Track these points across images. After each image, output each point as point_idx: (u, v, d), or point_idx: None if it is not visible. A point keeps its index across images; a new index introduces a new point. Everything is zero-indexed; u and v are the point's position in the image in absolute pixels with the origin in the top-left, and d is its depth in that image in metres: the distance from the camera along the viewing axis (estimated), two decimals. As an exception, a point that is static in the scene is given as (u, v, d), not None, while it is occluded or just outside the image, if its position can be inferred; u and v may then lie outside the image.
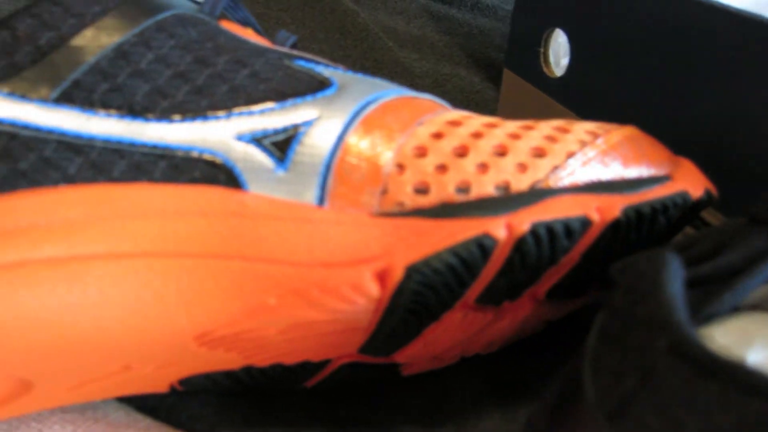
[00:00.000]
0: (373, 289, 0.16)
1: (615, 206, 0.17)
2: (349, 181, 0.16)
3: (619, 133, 0.19)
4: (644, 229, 0.18)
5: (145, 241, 0.15)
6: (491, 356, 0.22)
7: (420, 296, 0.16)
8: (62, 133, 0.15)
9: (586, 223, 0.17)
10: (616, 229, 0.17)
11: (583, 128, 0.19)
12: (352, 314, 0.16)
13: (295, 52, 0.19)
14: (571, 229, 0.16)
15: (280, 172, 0.16)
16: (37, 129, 0.15)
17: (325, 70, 0.19)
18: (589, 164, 0.18)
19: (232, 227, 0.16)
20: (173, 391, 0.19)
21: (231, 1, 0.21)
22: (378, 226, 0.16)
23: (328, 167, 0.16)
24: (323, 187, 0.16)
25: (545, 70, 0.30)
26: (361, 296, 0.15)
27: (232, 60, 0.18)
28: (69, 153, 0.15)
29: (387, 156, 0.17)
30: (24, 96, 0.15)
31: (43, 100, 0.15)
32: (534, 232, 0.16)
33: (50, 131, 0.15)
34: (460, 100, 0.36)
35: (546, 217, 0.16)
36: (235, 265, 0.15)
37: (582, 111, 0.28)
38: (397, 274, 0.15)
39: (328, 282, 0.16)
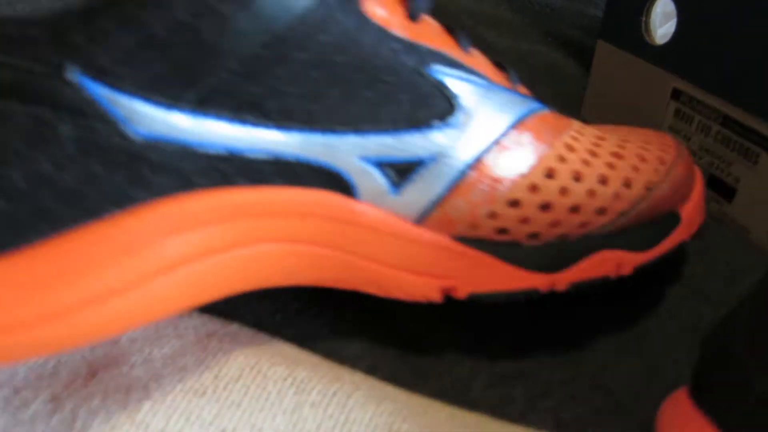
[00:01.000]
0: (436, 297, 0.20)
1: (629, 264, 0.21)
2: (447, 216, 0.19)
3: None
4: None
5: (276, 234, 0.19)
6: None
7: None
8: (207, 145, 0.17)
9: (607, 279, 0.21)
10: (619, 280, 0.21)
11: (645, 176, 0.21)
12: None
13: (444, 52, 0.19)
14: (593, 286, 0.21)
15: (392, 196, 0.19)
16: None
17: (456, 85, 0.19)
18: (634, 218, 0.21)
19: (340, 230, 0.19)
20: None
21: None
22: (456, 251, 0.20)
23: (434, 203, 0.19)
24: (425, 214, 0.19)
25: (647, 38, 0.31)
26: (424, 298, 0.20)
27: (365, 74, 0.18)
28: (221, 162, 0.17)
29: (486, 207, 0.19)
30: (171, 105, 0.16)
31: (191, 109, 0.16)
32: (568, 289, 0.20)
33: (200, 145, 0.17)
34: (544, 75, 0.37)
35: (581, 277, 0.20)
36: (336, 255, 0.19)
37: (690, 74, 0.29)
38: (460, 295, 0.20)
39: (403, 283, 0.20)
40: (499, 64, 0.22)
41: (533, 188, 0.20)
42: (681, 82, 0.29)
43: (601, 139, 0.22)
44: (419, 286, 0.20)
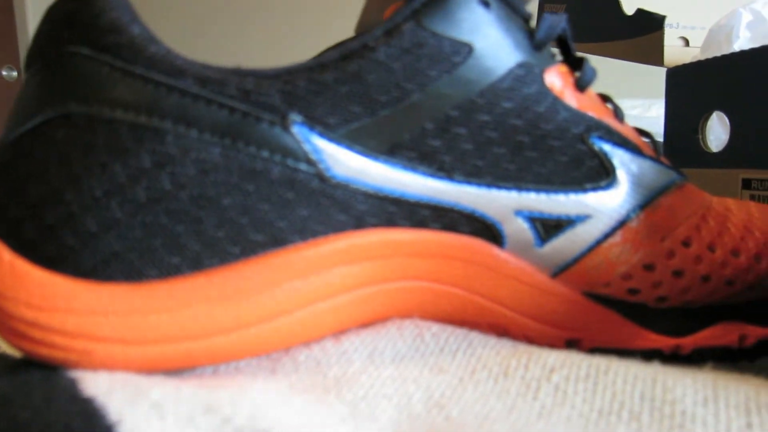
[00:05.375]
0: (560, 346, 0.21)
1: (752, 336, 0.21)
2: (583, 272, 0.20)
3: None
4: None
5: (422, 272, 0.20)
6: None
7: None
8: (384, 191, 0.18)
9: (728, 349, 0.21)
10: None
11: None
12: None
13: (605, 122, 0.20)
14: (714, 354, 0.21)
15: (536, 248, 0.20)
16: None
17: (613, 153, 0.20)
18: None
19: (481, 274, 0.20)
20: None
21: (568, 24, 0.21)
22: (586, 306, 0.21)
23: (575, 260, 0.20)
24: (563, 268, 0.20)
25: (705, 148, 0.37)
26: (547, 345, 0.21)
27: (534, 137, 0.19)
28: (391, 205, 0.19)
29: (623, 268, 0.20)
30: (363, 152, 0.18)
31: (382, 158, 0.18)
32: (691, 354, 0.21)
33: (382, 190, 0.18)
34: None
35: (703, 344, 0.21)
36: (472, 298, 0.21)
37: (753, 161, 0.34)
38: (584, 347, 0.21)
39: (530, 331, 0.21)
40: (644, 134, 0.23)
41: (670, 254, 0.21)
42: (747, 171, 0.34)
43: (729, 211, 0.23)
44: (545, 336, 0.21)
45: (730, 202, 0.25)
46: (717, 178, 0.36)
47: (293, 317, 0.18)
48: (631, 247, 0.20)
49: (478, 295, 0.21)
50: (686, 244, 0.21)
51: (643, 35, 0.41)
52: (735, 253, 0.22)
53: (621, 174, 0.20)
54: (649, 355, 0.21)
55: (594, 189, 0.20)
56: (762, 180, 0.33)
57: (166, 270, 0.17)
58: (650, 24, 0.40)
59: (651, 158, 0.21)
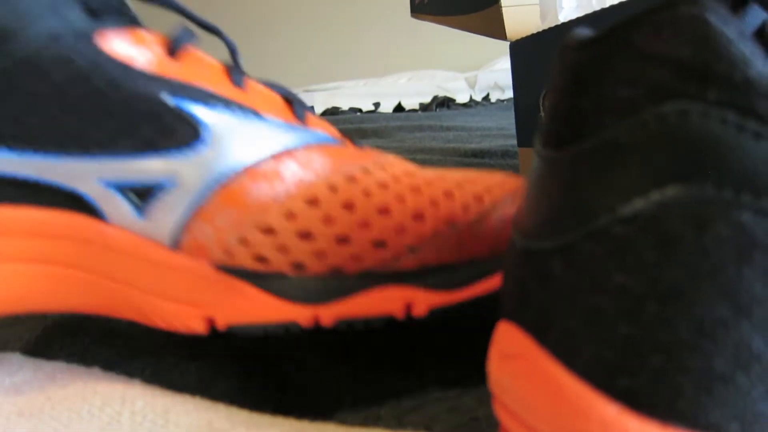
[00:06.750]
0: (199, 328, 0.19)
1: (423, 304, 0.19)
2: (198, 242, 0.19)
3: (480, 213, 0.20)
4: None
5: (30, 254, 0.19)
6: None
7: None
8: None
9: (390, 320, 0.19)
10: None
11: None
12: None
13: (197, 85, 0.19)
14: (371, 325, 0.18)
15: (139, 220, 0.19)
16: None
17: (205, 115, 0.19)
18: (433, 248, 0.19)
19: (94, 253, 0.19)
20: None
21: None
22: (214, 279, 0.19)
23: (180, 228, 0.19)
24: (176, 239, 0.19)
25: None
26: (186, 328, 0.19)
27: (102, 104, 0.18)
28: None
29: (234, 234, 0.19)
30: None
31: None
32: (336, 326, 0.19)
33: None
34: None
35: (351, 315, 0.18)
36: (95, 279, 0.19)
37: None
38: (220, 326, 0.19)
39: (163, 312, 0.19)
40: (288, 99, 0.21)
41: (290, 215, 0.19)
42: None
43: (409, 174, 0.21)
44: (180, 316, 0.19)
45: (429, 172, 0.22)
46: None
47: None
48: (237, 209, 0.18)
49: (101, 276, 0.19)
50: (312, 202, 0.19)
51: (483, 9, 0.39)
52: (383, 211, 0.19)
53: (217, 135, 0.19)
54: (287, 329, 0.19)
55: (182, 151, 0.19)
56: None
57: None
58: (487, -3, 0.37)
59: (269, 120, 0.20)
